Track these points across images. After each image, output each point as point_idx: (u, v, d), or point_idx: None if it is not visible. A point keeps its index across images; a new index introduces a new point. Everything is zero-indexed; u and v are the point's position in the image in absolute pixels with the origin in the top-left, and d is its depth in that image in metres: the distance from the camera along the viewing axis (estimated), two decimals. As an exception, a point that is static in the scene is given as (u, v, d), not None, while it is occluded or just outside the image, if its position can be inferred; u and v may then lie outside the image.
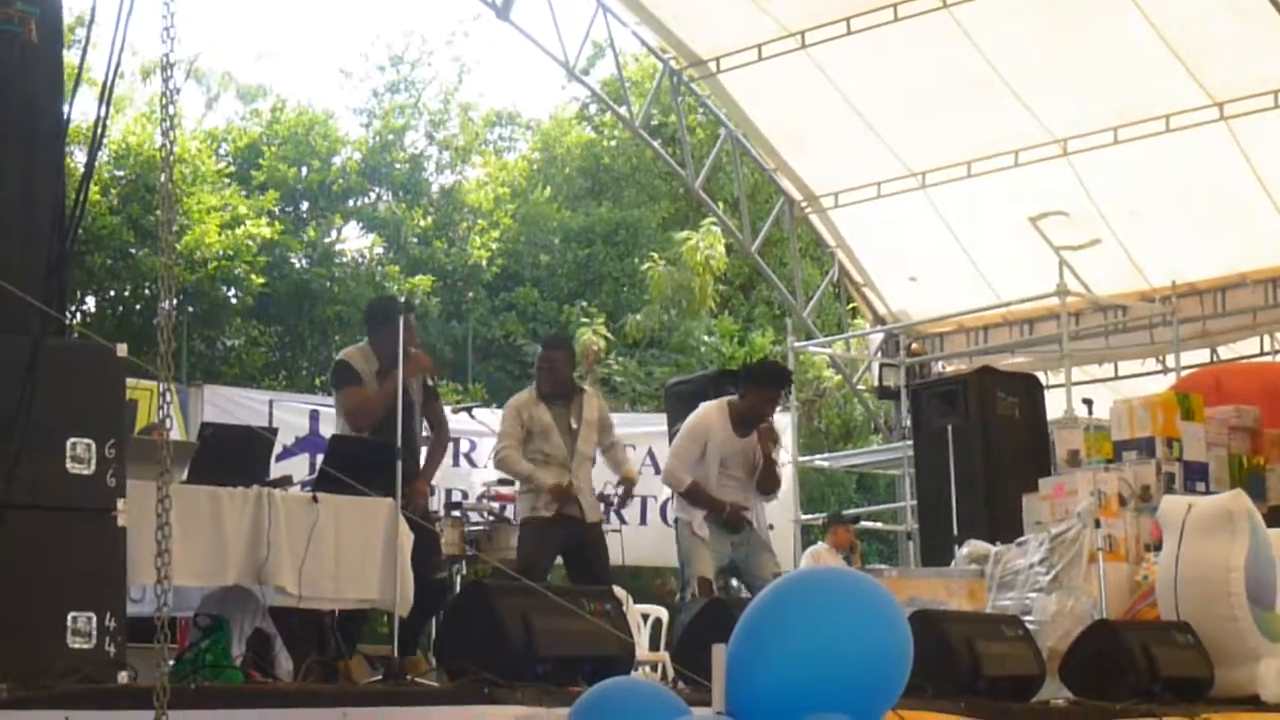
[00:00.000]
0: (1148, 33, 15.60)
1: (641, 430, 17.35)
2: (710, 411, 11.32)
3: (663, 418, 14.28)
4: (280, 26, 55.34)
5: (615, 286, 28.07)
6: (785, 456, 16.91)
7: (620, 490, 11.89)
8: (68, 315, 7.30)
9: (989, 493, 13.50)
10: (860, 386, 21.34)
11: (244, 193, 24.40)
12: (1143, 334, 17.95)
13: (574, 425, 11.16)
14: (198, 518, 8.01)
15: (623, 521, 13.79)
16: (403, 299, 11.07)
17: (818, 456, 21.56)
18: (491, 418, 13.27)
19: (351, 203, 27.69)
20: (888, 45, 16.64)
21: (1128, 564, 11.06)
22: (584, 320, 25.17)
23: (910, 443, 15.64)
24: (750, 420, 11.21)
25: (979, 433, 13.89)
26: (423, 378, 10.58)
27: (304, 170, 26.61)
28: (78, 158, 16.31)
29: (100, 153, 19.43)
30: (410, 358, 10.00)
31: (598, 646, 7.55)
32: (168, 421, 5.62)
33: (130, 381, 7.02)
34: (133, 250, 22.11)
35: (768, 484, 11.36)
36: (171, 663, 7.80)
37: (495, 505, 11.99)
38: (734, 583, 11.47)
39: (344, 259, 26.69)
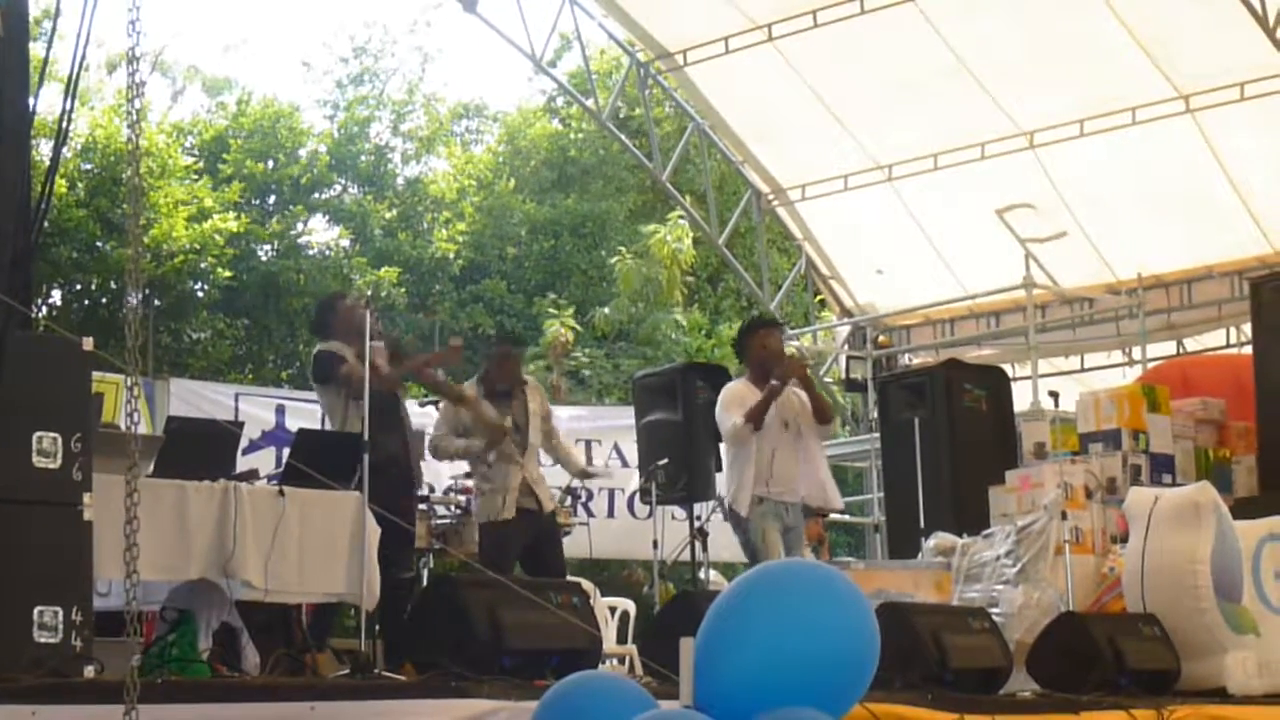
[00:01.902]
0: (1114, 25, 15.63)
1: (608, 424, 17.36)
2: (732, 384, 11.42)
3: (630, 410, 14.27)
4: (245, 19, 55.28)
5: (583, 279, 28.05)
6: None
7: (581, 483, 11.90)
8: (33, 308, 7.28)
9: (955, 485, 13.51)
10: (828, 379, 21.35)
11: (211, 186, 24.34)
12: (1109, 326, 18.00)
13: (518, 420, 11.09)
14: (164, 512, 7.99)
15: (590, 514, 13.80)
16: (359, 293, 11.22)
17: (785, 449, 21.52)
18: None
19: (317, 195, 27.63)
20: (855, 38, 16.65)
21: (1094, 556, 11.08)
22: (552, 313, 25.16)
23: (877, 435, 15.66)
24: (765, 368, 11.16)
25: (946, 425, 13.90)
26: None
27: (270, 163, 26.55)
28: (43, 150, 16.28)
29: (66, 146, 19.39)
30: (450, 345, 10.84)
31: (565, 640, 7.55)
32: (134, 415, 5.60)
33: (96, 375, 7.00)
34: (99, 244, 22.06)
35: (820, 414, 11.32)
36: (138, 657, 7.80)
37: (462, 499, 11.98)
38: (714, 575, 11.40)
39: (310, 251, 26.65)
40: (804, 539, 11.31)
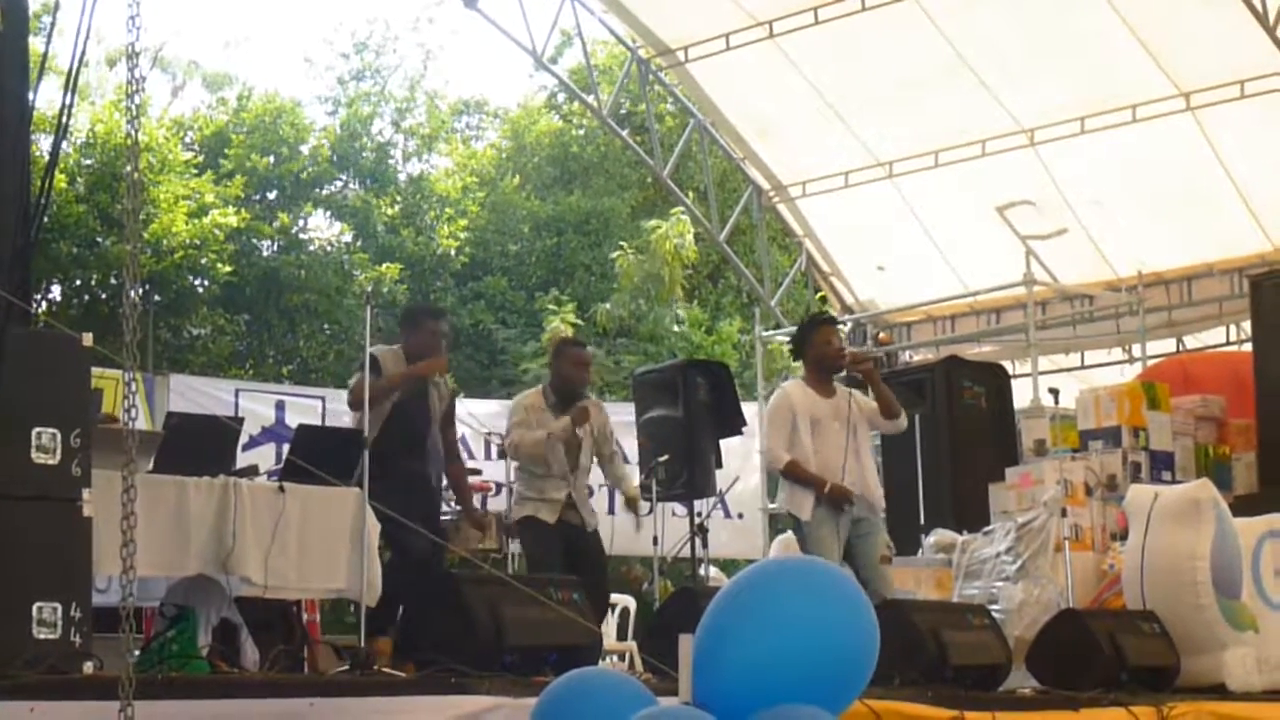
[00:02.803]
0: (1115, 23, 15.62)
1: (610, 420, 17.35)
2: (787, 386, 10.81)
3: (631, 407, 14.27)
4: (246, 14, 55.23)
5: (585, 275, 28.03)
6: (754, 445, 16.95)
7: (629, 509, 11.76)
8: (33, 304, 7.28)
9: (955, 482, 13.54)
10: (828, 375, 21.35)
11: (213, 181, 24.32)
12: (1109, 323, 17.99)
13: (579, 436, 10.91)
14: (163, 507, 8.00)
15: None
16: (434, 307, 11.22)
17: (786, 445, 21.53)
18: (459, 408, 13.23)
19: (319, 191, 27.62)
20: (856, 35, 16.64)
21: (1094, 553, 11.09)
22: (553, 309, 25.15)
23: (878, 432, 15.65)
24: (826, 366, 10.64)
25: (946, 422, 13.93)
26: (449, 399, 10.82)
27: (272, 159, 26.53)
28: (43, 145, 16.28)
29: (66, 141, 19.38)
30: (427, 364, 10.50)
31: (565, 636, 7.55)
32: (133, 411, 5.59)
33: (96, 370, 6.99)
34: (99, 239, 22.05)
35: (889, 410, 10.67)
36: (137, 653, 7.79)
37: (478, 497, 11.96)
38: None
39: (312, 247, 26.64)
40: (882, 532, 10.66)
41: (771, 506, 18.30)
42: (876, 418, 10.73)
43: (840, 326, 12.20)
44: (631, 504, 11.61)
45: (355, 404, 10.05)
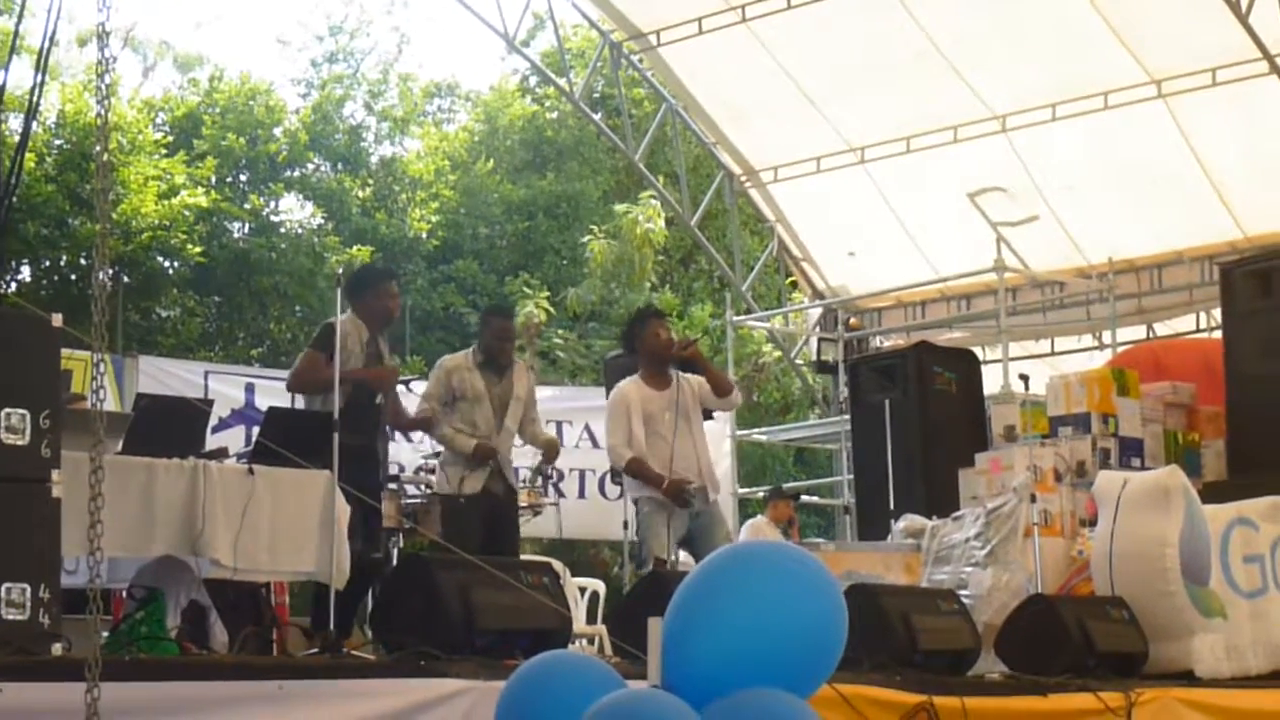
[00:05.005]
0: (1087, 9, 15.65)
1: (581, 404, 17.36)
2: (622, 385, 11.07)
3: (601, 391, 14.26)
4: (217, -4, 54.98)
5: (556, 259, 28.04)
6: (724, 429, 16.97)
7: (545, 463, 11.83)
8: (2, 284, 7.25)
9: (926, 467, 13.55)
10: (799, 361, 21.41)
11: (185, 162, 24.25)
12: (1080, 310, 18.05)
13: (505, 399, 10.99)
14: (132, 489, 7.98)
15: (560, 495, 13.76)
16: (386, 268, 11.14)
17: (756, 430, 21.60)
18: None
19: (292, 173, 27.56)
20: (828, 19, 16.66)
21: (1063, 539, 11.10)
22: (525, 292, 25.14)
23: (848, 417, 15.68)
24: (657, 358, 10.97)
25: (916, 407, 13.93)
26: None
27: (245, 140, 26.47)
28: (13, 125, 16.21)
29: (36, 121, 19.30)
30: (385, 368, 10.47)
31: (535, 620, 7.54)
32: (101, 392, 5.56)
33: (65, 352, 6.96)
34: (69, 219, 21.98)
35: (720, 388, 11.05)
36: (106, 635, 7.77)
37: (432, 479, 11.94)
38: (683, 555, 11.27)
39: (284, 229, 26.59)
40: (722, 523, 11.22)
41: (741, 492, 18.35)
42: (710, 397, 11.12)
43: (668, 318, 12.26)
44: (548, 449, 11.59)
45: (303, 387, 10.19)
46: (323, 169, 28.25)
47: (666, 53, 18.22)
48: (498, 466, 10.89)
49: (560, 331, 25.70)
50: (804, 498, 19.71)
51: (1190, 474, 10.53)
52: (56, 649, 6.05)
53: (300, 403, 10.67)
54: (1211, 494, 10.90)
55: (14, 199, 7.18)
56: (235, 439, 14.58)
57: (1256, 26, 14.64)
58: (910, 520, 11.69)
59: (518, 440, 11.44)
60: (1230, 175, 16.65)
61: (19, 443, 6.24)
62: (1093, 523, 10.64)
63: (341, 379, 9.79)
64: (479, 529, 10.72)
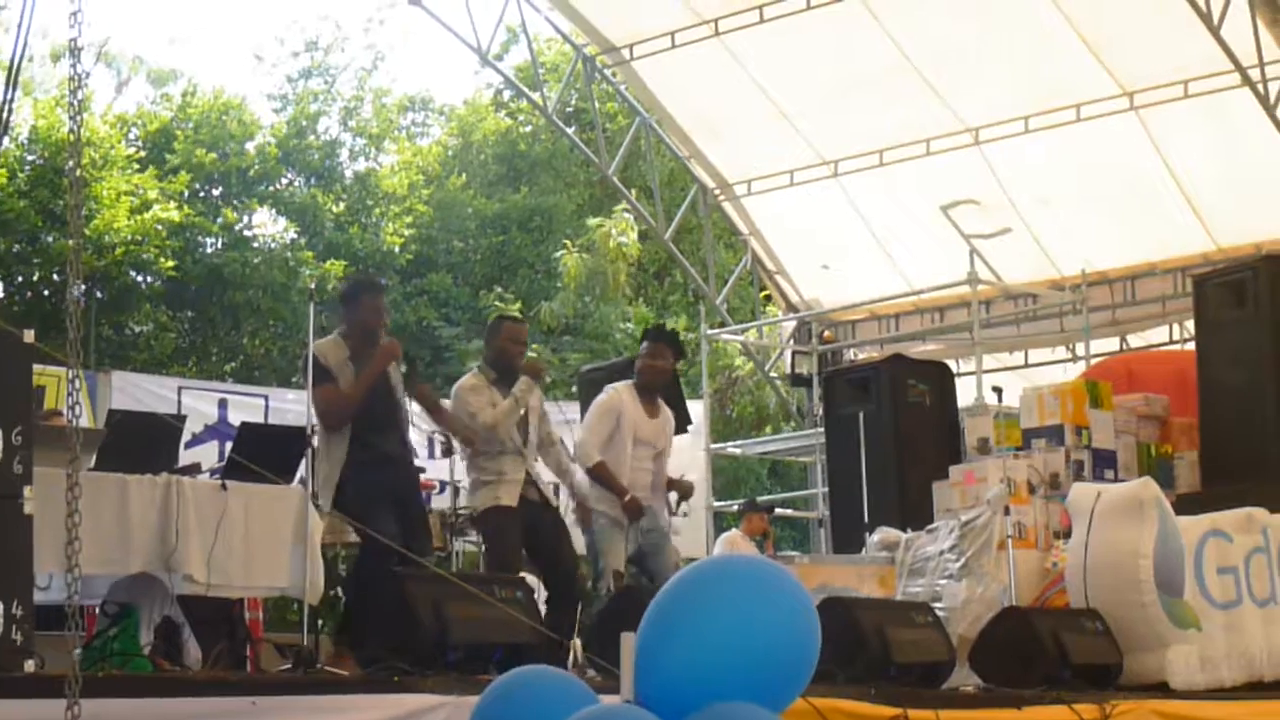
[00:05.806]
0: (1059, 22, 15.70)
1: (555, 418, 17.27)
2: (620, 390, 11.23)
3: (576, 406, 14.25)
4: (192, 11, 54.94)
5: (530, 273, 28.04)
6: (698, 443, 16.96)
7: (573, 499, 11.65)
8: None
9: (900, 480, 13.54)
10: (773, 374, 21.41)
11: (157, 177, 24.21)
12: (1053, 322, 18.07)
13: (523, 412, 10.81)
14: (105, 505, 7.96)
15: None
16: (372, 280, 11.02)
17: (730, 444, 21.60)
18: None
19: (265, 187, 27.53)
20: (801, 33, 16.68)
21: (1037, 551, 11.10)
22: (498, 306, 25.11)
23: (822, 430, 15.67)
24: (649, 384, 11.26)
25: (890, 420, 13.91)
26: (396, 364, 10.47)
27: (218, 155, 26.43)
28: (-15, 141, 16.16)
29: (8, 136, 19.25)
30: (380, 345, 10.09)
31: (509, 634, 7.53)
32: (76, 409, 5.53)
33: (37, 368, 6.94)
34: (41, 235, 21.94)
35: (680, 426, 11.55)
36: (79, 651, 7.75)
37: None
38: (632, 569, 11.22)
39: (257, 244, 26.56)
40: (670, 542, 11.52)
41: (716, 505, 18.33)
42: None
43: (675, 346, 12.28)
44: (580, 505, 11.47)
45: (339, 420, 9.86)
46: (296, 184, 28.22)
47: (640, 66, 18.23)
48: (531, 478, 10.75)
49: (534, 346, 25.69)
50: (778, 511, 19.68)
51: (1164, 486, 10.54)
52: (29, 666, 6.03)
53: (292, 419, 10.54)
54: (1185, 505, 10.92)
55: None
56: (208, 455, 14.57)
57: (1228, 38, 14.66)
58: (885, 533, 11.69)
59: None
60: (1203, 187, 16.70)
61: (-10, 459, 6.22)
62: (1067, 535, 10.65)
63: (360, 388, 9.78)
64: (521, 537, 10.60)
